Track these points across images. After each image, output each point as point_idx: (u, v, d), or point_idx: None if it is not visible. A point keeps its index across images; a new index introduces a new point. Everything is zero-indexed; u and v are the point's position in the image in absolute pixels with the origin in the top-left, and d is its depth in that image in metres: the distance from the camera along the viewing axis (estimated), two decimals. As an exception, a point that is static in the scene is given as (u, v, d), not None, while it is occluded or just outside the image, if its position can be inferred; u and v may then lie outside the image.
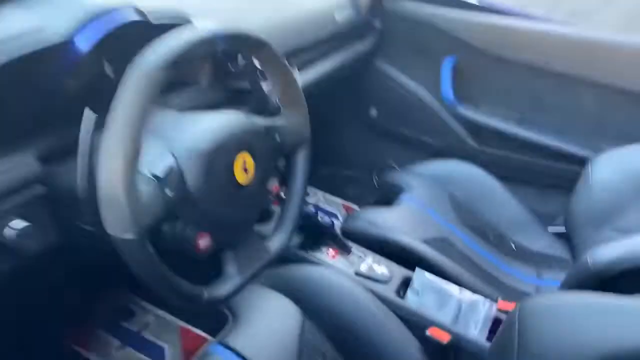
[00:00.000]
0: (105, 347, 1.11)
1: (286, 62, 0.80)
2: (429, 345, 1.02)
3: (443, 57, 1.65)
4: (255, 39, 0.72)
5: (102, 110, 0.63)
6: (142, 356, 1.07)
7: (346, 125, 1.90)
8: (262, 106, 0.91)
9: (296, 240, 1.22)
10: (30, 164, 0.69)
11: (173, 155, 0.65)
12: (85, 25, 0.69)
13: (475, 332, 1.08)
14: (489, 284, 1.27)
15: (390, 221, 1.34)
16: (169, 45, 0.60)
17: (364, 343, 1.00)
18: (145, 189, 0.60)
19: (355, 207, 1.68)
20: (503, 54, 1.58)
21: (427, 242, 1.29)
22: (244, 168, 0.71)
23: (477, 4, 1.61)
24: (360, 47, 1.61)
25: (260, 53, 0.75)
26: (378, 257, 1.22)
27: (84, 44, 0.69)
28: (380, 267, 1.18)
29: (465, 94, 1.65)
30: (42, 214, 0.71)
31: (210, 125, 0.70)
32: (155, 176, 0.62)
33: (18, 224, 0.66)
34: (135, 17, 0.73)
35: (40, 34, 0.66)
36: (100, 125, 0.63)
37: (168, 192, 0.62)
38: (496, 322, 1.09)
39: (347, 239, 1.26)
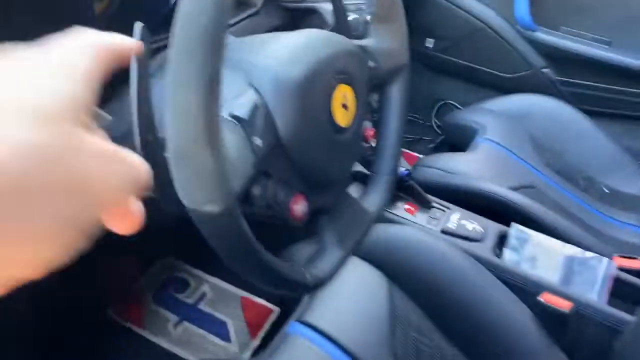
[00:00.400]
0: (161, 324, 0.97)
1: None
2: (544, 314, 0.85)
3: (517, -30, 1.39)
4: None
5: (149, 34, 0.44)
6: (204, 332, 0.93)
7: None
8: (342, 25, 0.70)
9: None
10: None
11: (255, 89, 0.46)
12: None
13: (594, 295, 0.90)
14: (593, 236, 1.08)
15: (470, 167, 1.14)
16: None
17: (465, 313, 0.84)
18: (228, 138, 0.40)
19: (415, 154, 1.48)
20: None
21: (514, 190, 1.10)
22: (343, 105, 0.52)
23: None
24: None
25: None
26: (465, 211, 1.03)
27: None
28: (469, 222, 1.00)
29: (542, 15, 1.40)
30: None
31: (299, 45, 0.49)
32: (238, 118, 0.43)
33: None
34: None
35: None
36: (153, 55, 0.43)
37: (257, 140, 0.43)
38: (617, 282, 0.91)
39: (422, 191, 1.07)
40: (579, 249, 0.97)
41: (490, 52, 1.51)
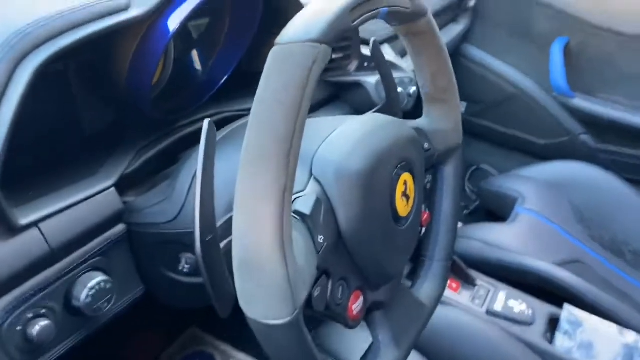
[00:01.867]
0: None
1: (443, 41, 0.57)
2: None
3: (551, 39, 1.38)
4: (417, 3, 0.49)
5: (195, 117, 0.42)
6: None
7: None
8: (391, 108, 0.68)
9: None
10: (109, 197, 0.50)
11: (317, 181, 0.43)
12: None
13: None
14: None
15: (513, 241, 1.09)
16: (324, 9, 0.37)
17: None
18: (295, 240, 0.37)
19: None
20: (625, 30, 1.30)
21: (560, 265, 1.03)
22: (404, 194, 0.48)
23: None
24: (453, 30, 1.36)
25: (418, 23, 0.51)
26: (512, 289, 0.97)
27: (174, 21, 0.47)
28: (517, 303, 0.93)
29: (579, 83, 1.38)
30: (122, 262, 0.53)
31: (362, 134, 0.47)
32: (301, 214, 0.39)
33: (97, 281, 0.48)
34: None
35: (120, 10, 0.45)
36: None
37: (320, 238, 0.40)
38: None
39: (462, 266, 1.02)
40: (635, 333, 0.89)
41: (525, 117, 1.48)
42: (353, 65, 0.83)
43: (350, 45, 0.82)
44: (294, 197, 0.41)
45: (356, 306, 0.46)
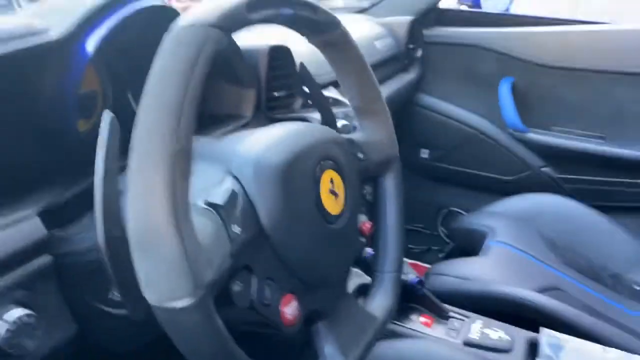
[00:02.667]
0: None
1: (362, 53, 0.59)
2: None
3: (498, 80, 1.46)
4: (325, 12, 0.52)
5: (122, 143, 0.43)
6: None
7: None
8: (327, 122, 0.69)
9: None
10: (33, 224, 0.48)
11: (235, 177, 0.42)
12: (93, 20, 0.49)
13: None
14: (635, 337, 0.96)
15: (486, 271, 1.06)
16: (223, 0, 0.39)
17: None
18: (202, 225, 0.36)
19: (425, 265, 1.40)
20: (569, 65, 1.38)
21: (540, 292, 1.00)
22: (332, 191, 0.48)
23: (529, 15, 1.44)
24: (403, 79, 1.43)
25: (332, 34, 0.54)
26: (486, 319, 0.93)
27: (91, 43, 0.48)
28: (493, 331, 0.89)
29: (532, 118, 1.43)
30: (49, 295, 0.49)
31: (281, 134, 0.47)
32: (213, 204, 0.38)
33: (17, 315, 0.44)
34: (154, 2, 0.54)
35: (39, 33, 0.46)
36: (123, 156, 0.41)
37: (235, 228, 0.38)
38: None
39: (436, 301, 0.98)
40: (622, 352, 0.85)
41: (487, 156, 1.52)
42: (297, 103, 0.86)
43: (292, 83, 0.85)
44: (209, 190, 0.40)
45: (289, 310, 0.43)
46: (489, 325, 0.90)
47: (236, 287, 0.38)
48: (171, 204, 0.31)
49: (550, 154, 1.42)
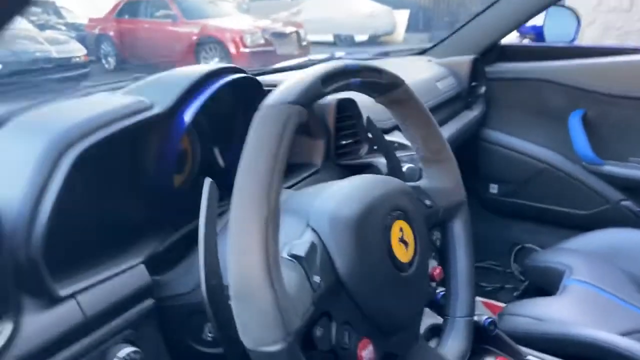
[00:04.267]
0: None
1: (426, 107, 0.63)
2: None
3: (567, 113, 1.43)
4: (390, 73, 0.56)
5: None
6: None
7: (465, 208, 1.65)
8: (395, 173, 0.73)
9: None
10: (139, 272, 0.56)
11: (313, 229, 0.47)
12: (190, 94, 0.57)
13: None
14: None
15: (564, 313, 1.03)
16: (301, 78, 0.45)
17: None
18: (288, 276, 0.41)
19: (498, 304, 1.36)
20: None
21: (625, 336, 0.95)
22: (402, 240, 0.51)
23: (594, 45, 1.41)
24: (466, 117, 1.44)
25: (396, 93, 0.58)
26: (566, 363, 0.90)
27: (188, 115, 0.56)
28: (575, 376, 0.86)
29: (607, 150, 1.38)
30: (152, 335, 0.56)
31: (353, 187, 0.52)
32: (296, 256, 0.43)
33: (127, 352, 0.51)
34: (240, 75, 0.62)
35: (145, 109, 0.55)
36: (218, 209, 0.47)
37: (316, 278, 0.43)
38: None
39: (512, 343, 0.96)
40: None
41: (560, 190, 1.47)
42: (364, 149, 0.91)
43: (359, 131, 0.90)
44: (292, 243, 0.45)
45: (366, 354, 0.46)
46: (570, 370, 0.87)
47: (318, 332, 0.43)
48: (265, 262, 0.37)
49: (629, 186, 1.35)
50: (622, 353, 0.89)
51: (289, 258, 0.44)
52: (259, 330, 0.37)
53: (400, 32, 9.73)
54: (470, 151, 1.56)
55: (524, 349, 0.94)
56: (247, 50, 6.06)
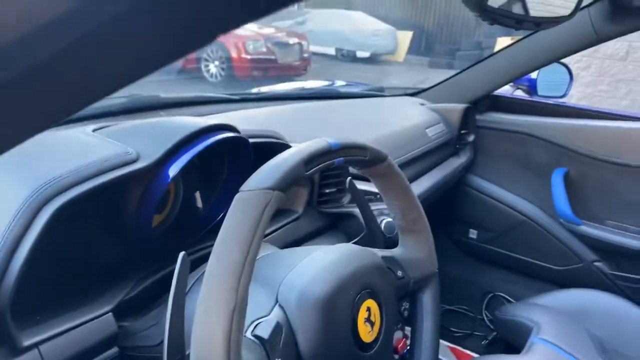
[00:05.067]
0: None
1: (406, 180, 0.64)
2: None
3: (551, 169, 1.46)
4: (374, 150, 0.58)
5: (193, 249, 0.50)
6: None
7: (442, 252, 1.66)
8: (372, 237, 0.74)
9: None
10: (106, 321, 0.56)
11: (281, 307, 0.48)
12: (178, 148, 0.58)
13: None
14: None
15: (526, 374, 1.04)
16: (283, 162, 0.46)
17: None
18: (247, 357, 0.41)
19: (466, 351, 1.38)
20: (623, 161, 1.36)
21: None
22: (367, 320, 0.52)
23: (583, 107, 1.45)
24: (453, 163, 1.46)
25: (379, 167, 0.60)
26: None
27: (173, 170, 0.57)
28: None
29: (586, 210, 1.41)
30: None
31: (325, 262, 0.53)
32: (260, 338, 0.44)
33: None
34: (231, 135, 0.62)
35: (130, 162, 0.55)
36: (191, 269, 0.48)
37: None
38: None
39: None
40: None
41: (537, 244, 1.50)
42: (346, 198, 0.92)
43: (342, 180, 0.91)
44: (257, 321, 0.46)
45: None
46: None
47: None
48: (225, 352, 0.37)
49: (604, 248, 1.38)
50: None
51: (253, 338, 0.45)
52: None
53: (401, 53, 9.83)
54: (454, 194, 1.59)
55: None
56: (248, 56, 6.07)
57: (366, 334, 0.52)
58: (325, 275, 0.51)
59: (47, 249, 0.49)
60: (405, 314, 0.68)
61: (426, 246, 0.67)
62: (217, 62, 6.06)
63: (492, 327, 1.50)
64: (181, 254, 0.45)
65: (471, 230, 1.62)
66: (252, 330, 0.45)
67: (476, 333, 1.51)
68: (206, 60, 6.11)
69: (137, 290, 0.61)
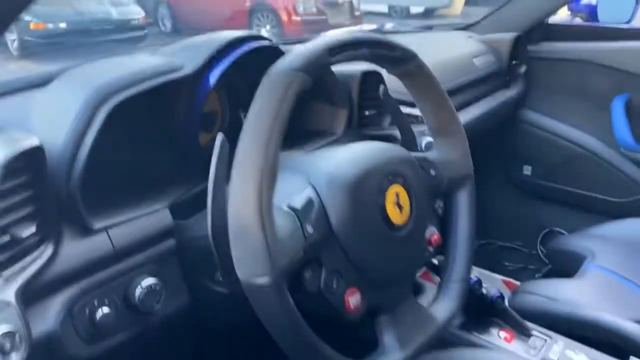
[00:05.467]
0: None
1: (438, 81, 0.65)
2: None
3: (611, 97, 1.38)
4: (400, 47, 0.59)
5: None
6: None
7: (495, 189, 1.64)
8: (409, 145, 0.76)
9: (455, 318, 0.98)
10: (163, 215, 0.63)
11: (313, 186, 0.52)
12: (216, 58, 0.63)
13: None
14: None
15: (577, 295, 1.03)
16: (308, 47, 0.49)
17: None
18: (282, 223, 0.46)
19: (518, 283, 1.38)
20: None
21: (637, 322, 0.96)
22: (397, 203, 0.55)
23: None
24: (504, 95, 1.42)
25: (407, 66, 0.61)
26: (570, 340, 0.92)
27: (213, 77, 0.62)
28: (577, 354, 0.88)
29: (647, 137, 1.34)
30: (172, 271, 0.64)
31: (356, 152, 0.56)
32: (293, 208, 0.49)
33: (150, 283, 0.59)
34: (264, 43, 0.66)
35: (175, 70, 0.61)
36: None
37: (309, 228, 0.48)
38: None
39: (520, 319, 0.99)
40: None
41: (595, 176, 1.44)
42: (387, 120, 0.94)
43: (382, 103, 0.93)
44: (291, 196, 0.51)
45: (353, 300, 0.52)
46: (572, 347, 0.89)
47: (307, 275, 0.48)
48: (258, 207, 0.42)
49: (669, 176, 1.31)
50: (628, 337, 0.90)
51: (287, 209, 0.49)
52: (249, 264, 0.43)
53: (458, 6, 9.36)
54: (506, 131, 1.55)
55: (529, 325, 0.96)
56: (298, 18, 6.05)
57: (396, 215, 0.55)
58: (355, 160, 0.54)
59: (106, 145, 0.56)
60: (440, 212, 0.70)
61: (460, 148, 0.68)
62: (268, 27, 6.10)
63: (547, 261, 1.48)
64: (219, 135, 0.50)
65: (525, 166, 1.58)
66: (287, 204, 0.50)
67: (530, 267, 1.50)
68: (258, 26, 6.16)
69: (188, 194, 0.67)
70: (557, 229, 1.52)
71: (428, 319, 0.60)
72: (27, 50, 4.94)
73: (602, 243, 1.22)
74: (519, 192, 1.62)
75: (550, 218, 1.55)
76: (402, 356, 0.54)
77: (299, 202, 0.49)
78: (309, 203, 0.50)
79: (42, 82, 0.63)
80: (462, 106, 1.25)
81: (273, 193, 0.44)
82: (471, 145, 1.25)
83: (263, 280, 0.43)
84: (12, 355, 0.44)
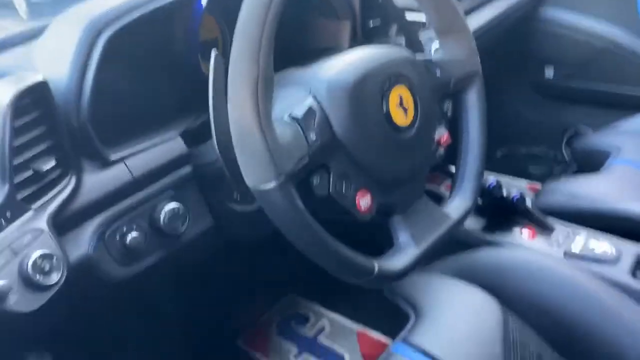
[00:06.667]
0: (282, 354, 1.05)
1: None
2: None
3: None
4: None
5: None
6: (322, 364, 0.97)
7: (516, 93, 1.59)
8: (414, 47, 0.74)
9: (477, 222, 1.00)
10: (177, 143, 0.65)
11: (313, 95, 0.52)
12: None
13: None
14: None
15: (602, 189, 1.03)
16: None
17: (599, 344, 0.73)
18: (284, 132, 0.47)
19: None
20: None
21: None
22: (401, 105, 0.55)
23: None
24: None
25: None
26: (592, 230, 0.92)
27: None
28: (600, 243, 0.89)
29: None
30: (192, 196, 0.66)
31: (355, 57, 0.55)
32: (294, 117, 0.49)
33: (172, 207, 0.61)
34: None
35: None
36: None
37: (311, 135, 0.49)
38: None
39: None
40: None
41: (622, 70, 1.38)
42: (393, 29, 0.91)
43: (387, 13, 0.90)
44: (292, 107, 0.51)
45: (364, 201, 0.53)
46: (594, 237, 0.90)
47: (315, 180, 0.50)
48: (256, 114, 0.43)
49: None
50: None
51: (289, 120, 0.50)
52: (255, 171, 0.44)
53: None
54: (524, 31, 1.48)
55: (552, 220, 0.97)
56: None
57: (400, 117, 0.55)
58: (354, 65, 0.54)
59: (110, 75, 0.57)
60: (449, 113, 0.69)
61: (466, 46, 0.66)
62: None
63: (571, 162, 1.46)
64: (213, 51, 0.50)
65: (546, 68, 1.52)
66: (289, 114, 0.50)
67: (556, 171, 1.49)
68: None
69: (198, 122, 0.69)
70: (583, 127, 1.48)
71: (442, 216, 0.61)
72: (36, 13, 4.93)
73: (628, 137, 1.19)
74: (540, 95, 1.57)
75: (575, 119, 1.50)
76: (418, 252, 0.56)
77: (299, 111, 0.50)
78: (310, 111, 0.50)
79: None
80: (474, 7, 1.19)
81: (271, 99, 0.45)
82: (489, 48, 1.21)
83: (270, 185, 0.44)
84: (53, 275, 0.48)
